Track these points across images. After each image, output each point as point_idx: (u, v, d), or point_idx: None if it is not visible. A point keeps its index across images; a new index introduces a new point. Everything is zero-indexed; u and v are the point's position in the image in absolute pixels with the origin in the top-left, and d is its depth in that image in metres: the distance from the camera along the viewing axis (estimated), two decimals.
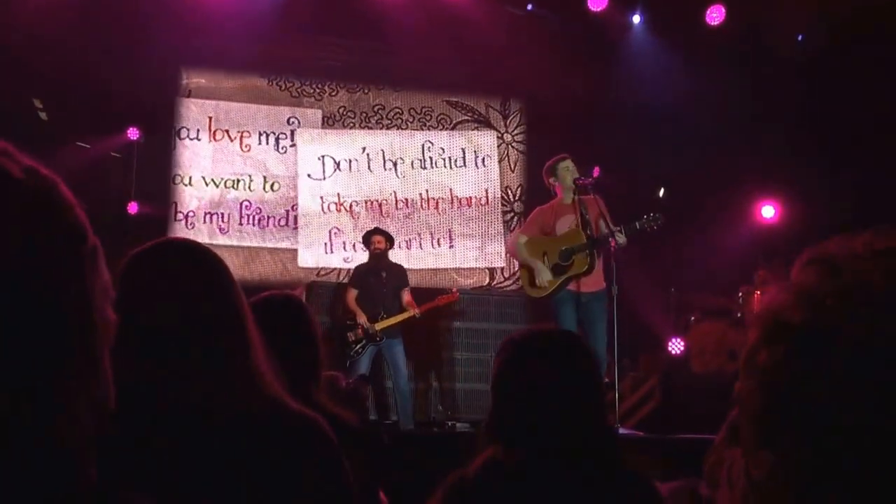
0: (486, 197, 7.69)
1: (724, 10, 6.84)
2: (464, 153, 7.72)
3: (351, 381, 5.25)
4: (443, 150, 7.69)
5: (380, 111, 7.68)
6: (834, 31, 6.47)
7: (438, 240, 7.55)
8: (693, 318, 6.96)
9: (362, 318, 5.80)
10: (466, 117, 7.80)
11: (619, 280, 4.91)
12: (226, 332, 1.27)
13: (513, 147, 7.87)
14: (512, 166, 7.84)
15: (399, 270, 6.13)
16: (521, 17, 7.13)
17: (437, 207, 7.59)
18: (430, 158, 7.66)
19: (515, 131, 7.86)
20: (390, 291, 5.91)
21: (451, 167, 7.67)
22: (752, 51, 6.92)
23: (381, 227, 6.54)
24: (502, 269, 7.61)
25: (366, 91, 7.65)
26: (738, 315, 6.78)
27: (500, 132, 7.84)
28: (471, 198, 7.66)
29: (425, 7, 6.86)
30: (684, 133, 6.78)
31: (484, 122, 7.83)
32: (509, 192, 7.79)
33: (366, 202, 7.50)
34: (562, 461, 1.43)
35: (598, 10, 6.89)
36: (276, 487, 1.18)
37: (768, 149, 7.11)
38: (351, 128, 7.62)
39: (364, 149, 7.57)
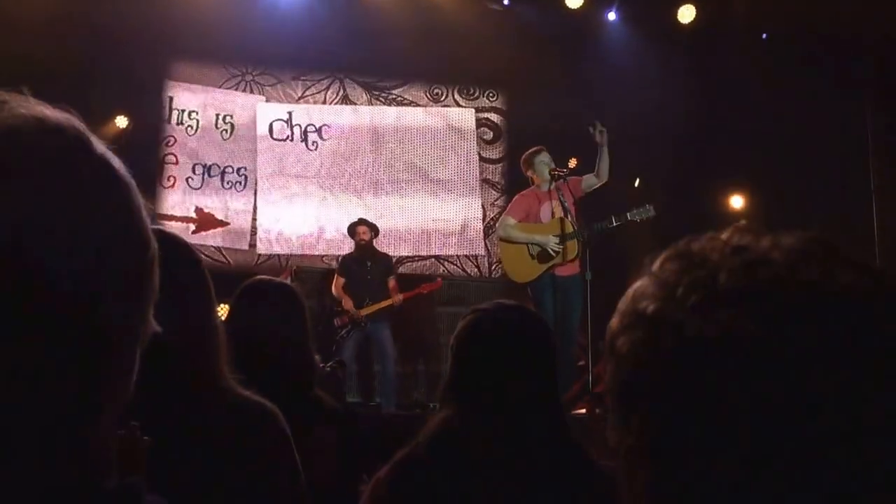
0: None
1: (694, 8, 7.08)
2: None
3: (328, 364, 5.41)
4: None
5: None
6: (796, 28, 6.73)
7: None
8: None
9: (348, 305, 5.98)
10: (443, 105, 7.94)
11: (594, 265, 5.13)
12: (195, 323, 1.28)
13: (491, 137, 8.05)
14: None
15: (385, 259, 6.29)
16: (499, 12, 7.30)
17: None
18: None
19: (494, 121, 8.03)
20: (375, 279, 6.06)
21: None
22: (722, 48, 7.16)
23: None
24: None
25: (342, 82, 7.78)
26: None
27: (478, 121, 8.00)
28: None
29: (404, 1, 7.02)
30: (658, 125, 7.00)
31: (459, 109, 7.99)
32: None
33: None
34: (506, 426, 1.46)
35: (575, 6, 7.08)
36: (229, 474, 1.19)
37: (738, 141, 7.36)
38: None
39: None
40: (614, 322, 0.61)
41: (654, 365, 0.55)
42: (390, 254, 6.53)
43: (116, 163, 0.60)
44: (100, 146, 0.59)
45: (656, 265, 0.60)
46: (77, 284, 0.55)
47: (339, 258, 6.55)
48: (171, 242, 1.34)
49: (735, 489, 0.51)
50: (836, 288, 0.53)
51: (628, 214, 5.18)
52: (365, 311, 5.94)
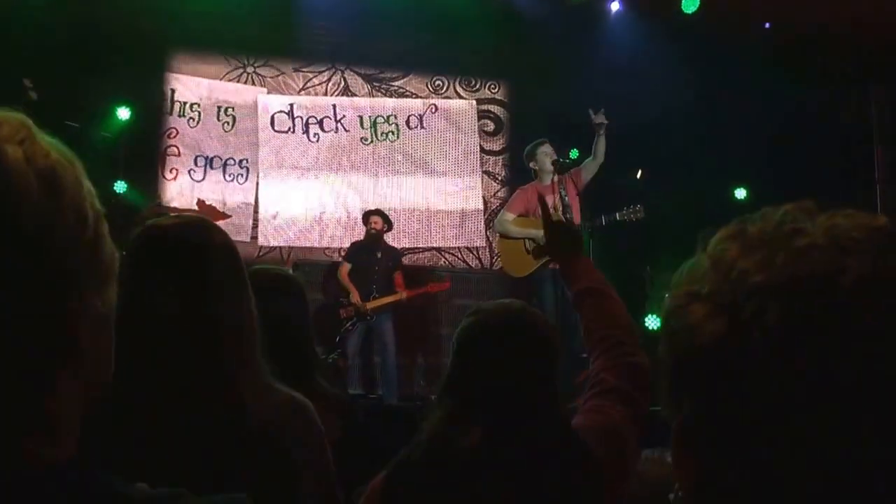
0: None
1: None
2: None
3: (330, 356, 5.41)
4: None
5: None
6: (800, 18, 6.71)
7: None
8: (667, 295, 7.18)
9: (356, 297, 5.96)
10: (445, 96, 7.93)
11: (595, 259, 5.12)
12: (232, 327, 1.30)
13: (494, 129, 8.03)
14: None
15: (394, 253, 6.30)
16: (501, 2, 7.26)
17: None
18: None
19: (495, 113, 8.01)
20: (383, 271, 6.06)
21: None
22: (725, 38, 7.12)
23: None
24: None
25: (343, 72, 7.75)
26: None
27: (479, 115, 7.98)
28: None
29: None
30: (661, 116, 6.97)
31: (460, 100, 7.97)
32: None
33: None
34: (501, 428, 1.43)
35: None
36: (264, 467, 1.21)
37: (741, 132, 7.33)
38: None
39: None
40: (668, 301, 0.61)
41: (708, 346, 0.54)
42: (391, 245, 6.51)
43: (55, 152, 0.64)
44: (43, 138, 0.64)
45: (711, 245, 0.59)
46: (17, 263, 0.58)
47: (348, 246, 6.53)
48: (208, 234, 1.35)
49: (787, 472, 0.51)
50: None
51: (617, 214, 5.20)
52: (371, 305, 5.94)
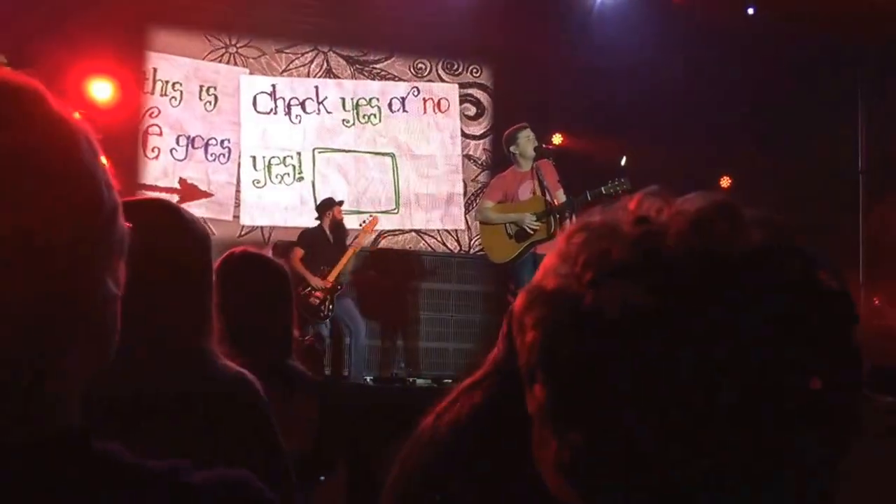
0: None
1: None
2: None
3: (307, 338, 5.40)
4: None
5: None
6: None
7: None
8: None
9: (315, 280, 5.94)
10: (427, 79, 7.90)
11: None
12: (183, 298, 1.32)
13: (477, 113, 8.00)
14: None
15: (344, 232, 6.34)
16: None
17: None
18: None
19: (477, 97, 7.98)
20: (334, 251, 6.09)
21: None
22: (711, 19, 7.09)
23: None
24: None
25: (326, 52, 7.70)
26: None
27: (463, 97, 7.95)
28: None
29: None
30: (646, 101, 6.96)
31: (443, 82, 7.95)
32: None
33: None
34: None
35: None
36: (204, 445, 1.19)
37: (726, 120, 7.32)
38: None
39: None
40: (520, 299, 0.60)
41: (553, 340, 0.55)
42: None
43: (74, 124, 0.63)
44: (58, 106, 0.62)
45: (564, 238, 0.60)
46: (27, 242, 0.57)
47: (300, 232, 6.46)
48: (146, 215, 1.32)
49: (624, 458, 0.51)
50: (733, 254, 0.52)
51: (602, 189, 5.13)
52: (331, 277, 5.93)
